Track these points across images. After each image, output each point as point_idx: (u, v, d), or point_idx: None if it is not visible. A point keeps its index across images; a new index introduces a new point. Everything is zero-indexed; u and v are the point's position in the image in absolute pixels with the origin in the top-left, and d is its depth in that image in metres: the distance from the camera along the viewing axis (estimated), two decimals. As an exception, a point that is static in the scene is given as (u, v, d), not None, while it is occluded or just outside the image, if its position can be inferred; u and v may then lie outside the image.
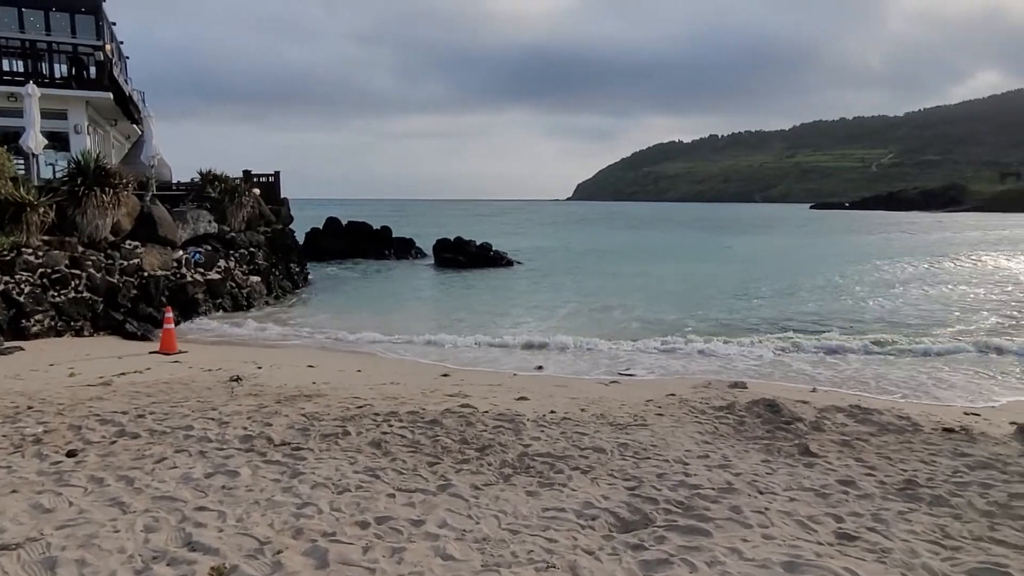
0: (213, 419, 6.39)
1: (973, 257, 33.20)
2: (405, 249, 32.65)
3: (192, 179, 19.08)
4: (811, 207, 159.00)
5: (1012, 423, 6.79)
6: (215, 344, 12.21)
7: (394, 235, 33.34)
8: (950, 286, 21.70)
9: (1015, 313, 16.16)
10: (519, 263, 28.92)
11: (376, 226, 33.33)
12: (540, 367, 10.23)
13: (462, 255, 28.70)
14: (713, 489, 4.82)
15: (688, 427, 6.62)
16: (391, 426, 6.29)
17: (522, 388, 8.48)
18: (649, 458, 5.54)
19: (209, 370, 9.27)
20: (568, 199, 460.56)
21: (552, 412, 7.11)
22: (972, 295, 19.57)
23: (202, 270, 15.40)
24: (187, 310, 14.37)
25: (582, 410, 7.27)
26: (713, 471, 5.24)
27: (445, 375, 9.45)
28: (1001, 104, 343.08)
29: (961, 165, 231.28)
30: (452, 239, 30.29)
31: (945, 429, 6.63)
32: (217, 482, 4.74)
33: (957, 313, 16.11)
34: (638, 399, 7.88)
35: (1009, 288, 21.18)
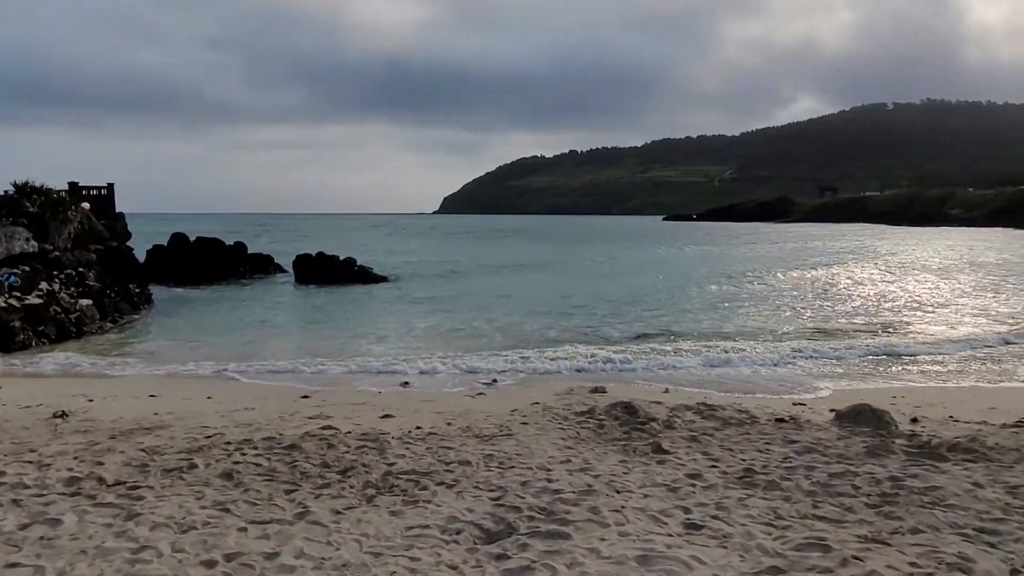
0: (31, 462, 5.67)
1: (807, 269, 37.05)
2: (262, 266, 31.00)
3: (5, 192, 16.96)
4: (664, 219, 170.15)
5: (831, 410, 7.59)
6: (36, 377, 10.89)
7: (250, 251, 31.56)
8: (784, 294, 24.04)
9: (833, 317, 18.19)
10: (386, 278, 28.43)
11: (229, 242, 31.37)
12: (406, 383, 10.09)
13: (325, 271, 27.74)
14: (574, 492, 4.96)
15: (552, 434, 6.78)
16: (244, 455, 5.90)
17: (387, 406, 8.31)
18: (514, 467, 5.61)
19: (27, 406, 8.23)
20: (435, 212, 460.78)
21: (418, 428, 7.02)
22: (799, 303, 21.79)
23: (19, 294, 13.70)
24: (1, 340, 12.71)
25: (448, 424, 7.24)
26: (574, 475, 5.40)
27: (305, 397, 9.05)
28: (819, 127, 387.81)
29: (788, 180, 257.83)
30: (314, 254, 29.20)
31: (778, 420, 7.29)
32: (34, 533, 4.19)
33: (788, 315, 17.90)
34: (504, 409, 7.98)
35: (830, 296, 23.83)
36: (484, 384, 10.10)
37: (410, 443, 6.36)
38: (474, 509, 4.64)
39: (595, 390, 8.93)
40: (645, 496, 4.95)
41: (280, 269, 31.16)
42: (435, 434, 6.75)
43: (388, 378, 10.73)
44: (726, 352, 12.70)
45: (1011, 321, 16.34)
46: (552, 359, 12.11)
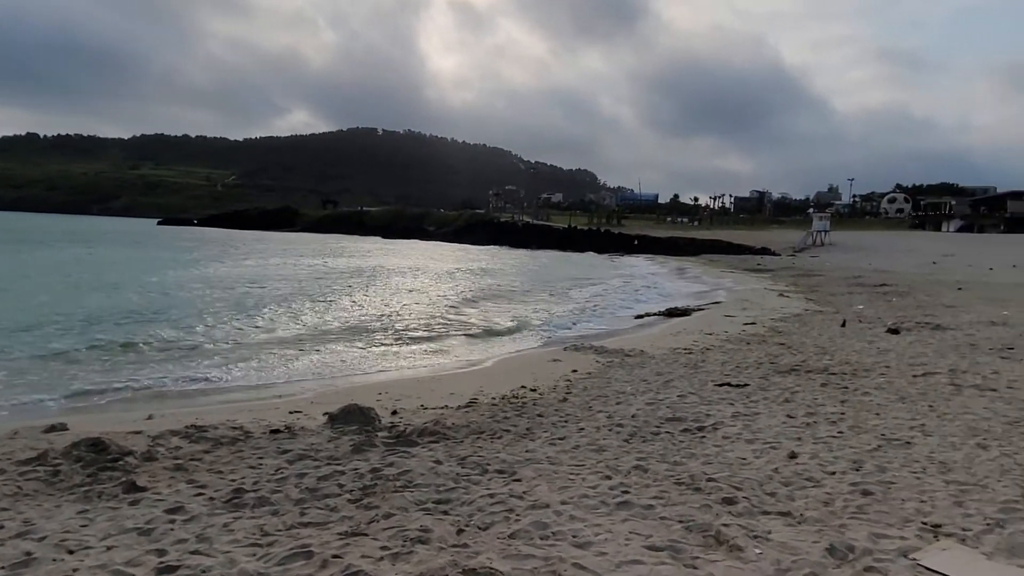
0: None
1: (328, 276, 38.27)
2: None
3: None
4: (159, 223, 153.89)
5: (325, 414, 7.89)
6: None
7: None
8: (301, 297, 24.32)
9: (341, 320, 19.24)
10: None
11: None
12: None
13: None
14: (3, 568, 3.85)
15: (-23, 495, 5.19)
16: None
17: None
18: (-98, 556, 4.05)
19: None
20: None
21: None
22: (308, 307, 22.38)
23: None
24: None
25: None
26: (6, 545, 4.21)
27: None
28: (320, 142, 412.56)
29: (292, 191, 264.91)
30: None
31: (273, 431, 7.19)
32: None
33: (294, 319, 18.15)
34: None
35: (340, 300, 25.17)
36: None
37: None
38: None
39: (51, 428, 7.26)
40: (109, 549, 4.18)
41: None
42: None
43: None
44: (224, 366, 12.08)
45: (469, 312, 20.08)
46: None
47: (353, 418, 7.60)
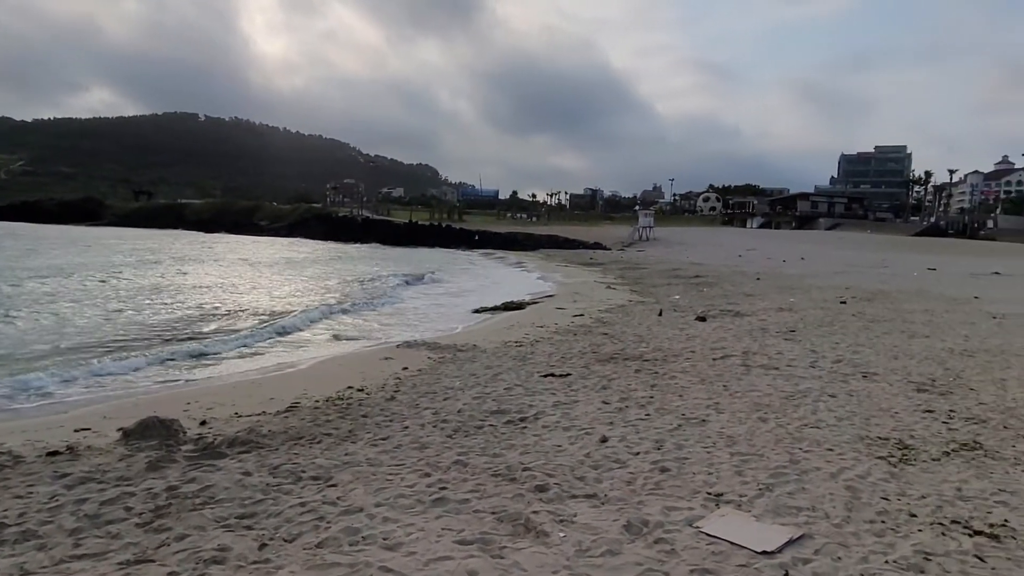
0: None
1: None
2: None
3: None
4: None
5: (119, 429, 7.08)
6: None
7: None
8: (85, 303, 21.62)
9: (126, 324, 17.42)
10: None
11: None
12: None
13: None
14: None
15: None
16: None
17: None
18: None
19: None
20: None
21: None
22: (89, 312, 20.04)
23: None
24: None
25: None
26: None
27: None
28: (131, 127, 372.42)
29: (96, 180, 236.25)
30: None
31: (50, 453, 6.33)
32: None
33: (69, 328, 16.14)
34: None
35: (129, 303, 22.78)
36: None
37: None
38: None
39: None
40: None
41: None
42: None
43: None
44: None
45: (288, 309, 19.08)
46: None
47: (153, 432, 6.90)
